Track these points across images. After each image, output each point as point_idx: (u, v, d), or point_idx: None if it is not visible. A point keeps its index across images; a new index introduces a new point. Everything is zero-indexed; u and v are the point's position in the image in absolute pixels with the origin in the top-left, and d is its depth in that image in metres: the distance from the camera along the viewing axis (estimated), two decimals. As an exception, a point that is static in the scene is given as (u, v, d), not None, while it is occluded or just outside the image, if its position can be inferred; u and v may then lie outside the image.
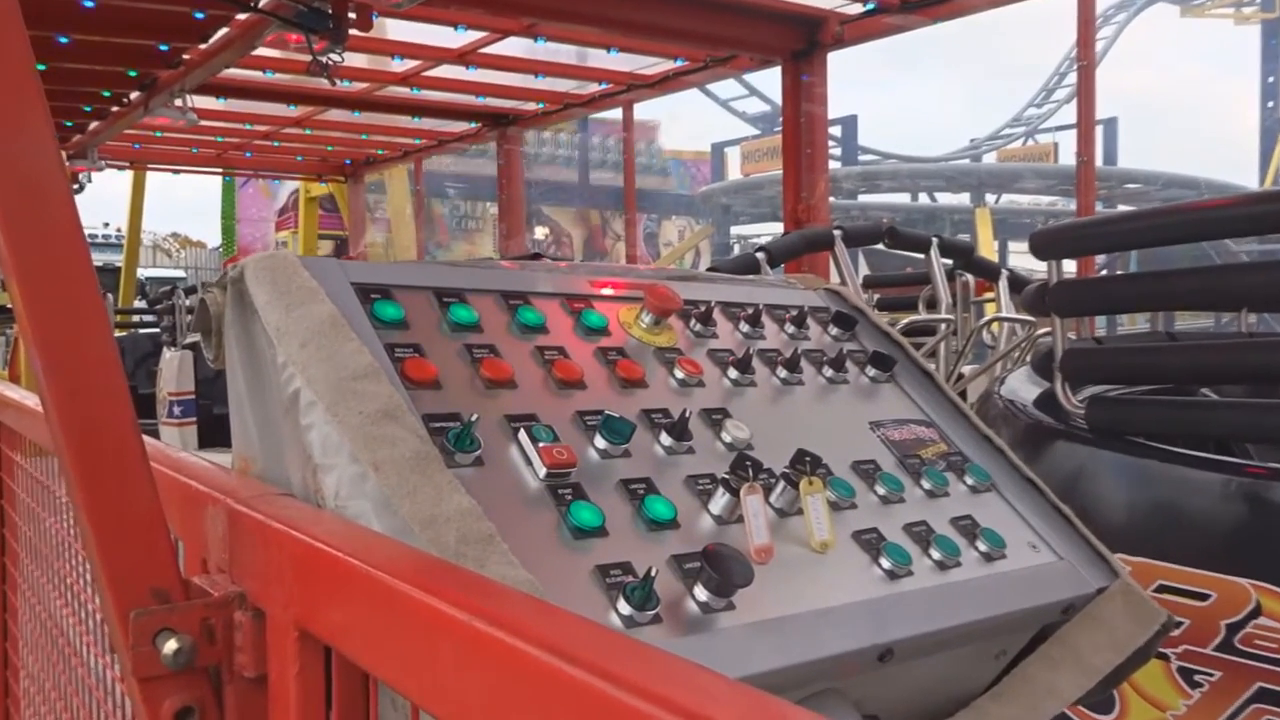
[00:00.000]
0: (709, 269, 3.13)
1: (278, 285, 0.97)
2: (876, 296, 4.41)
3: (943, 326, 3.61)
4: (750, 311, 1.33)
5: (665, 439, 1.04)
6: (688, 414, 1.04)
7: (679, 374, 1.15)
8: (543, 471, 0.92)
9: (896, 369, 1.37)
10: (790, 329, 1.36)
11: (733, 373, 1.20)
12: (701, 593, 0.88)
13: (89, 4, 5.01)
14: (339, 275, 1.02)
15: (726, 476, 0.99)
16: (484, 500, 0.85)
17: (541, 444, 0.93)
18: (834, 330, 1.41)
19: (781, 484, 1.03)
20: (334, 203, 12.52)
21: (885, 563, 1.03)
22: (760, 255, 3.69)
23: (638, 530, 0.93)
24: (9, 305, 0.71)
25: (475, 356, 1.02)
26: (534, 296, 1.15)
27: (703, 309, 1.26)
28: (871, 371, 1.35)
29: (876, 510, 1.11)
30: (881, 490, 1.14)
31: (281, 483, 0.94)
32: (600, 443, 0.99)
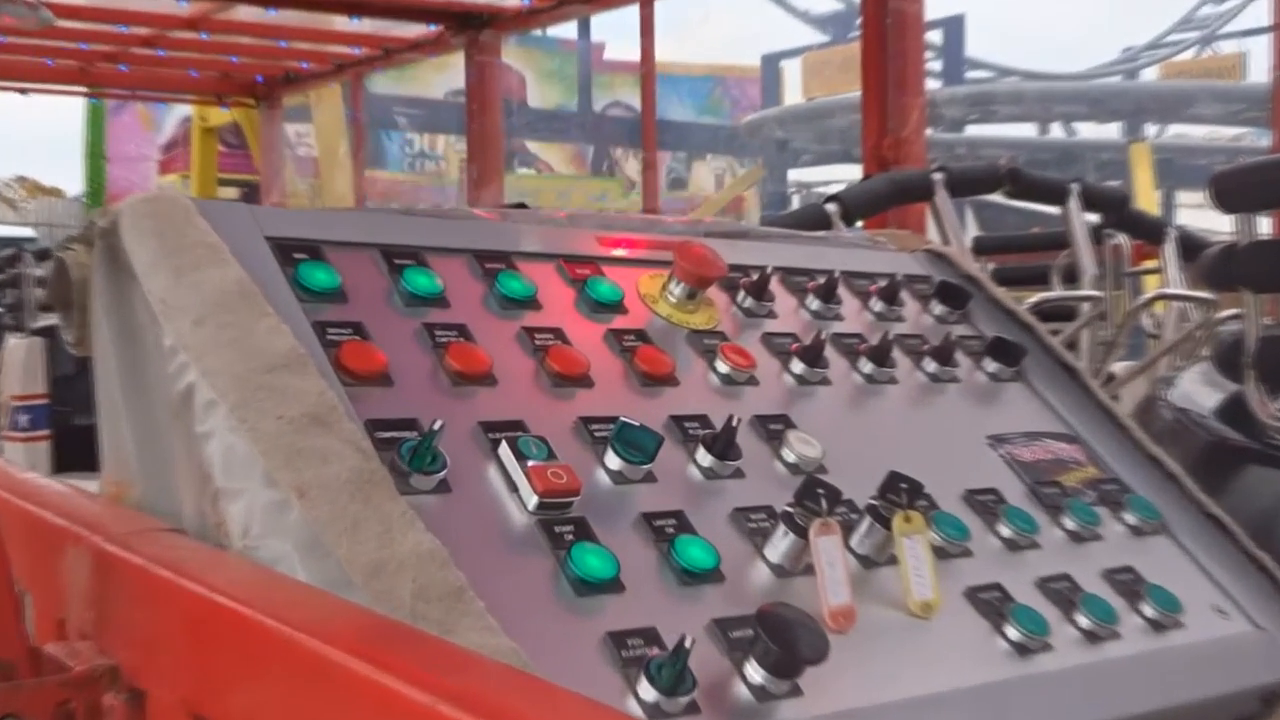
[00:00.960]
0: (762, 223, 3.14)
1: (165, 240, 0.97)
2: (992, 267, 4.39)
3: (1086, 307, 3.58)
4: (822, 281, 1.33)
5: (704, 457, 1.04)
6: (735, 422, 1.04)
7: (723, 367, 1.15)
8: (533, 501, 0.92)
9: (1026, 362, 1.37)
10: (877, 306, 1.37)
11: (798, 365, 1.20)
12: (755, 672, 0.88)
13: None
14: (250, 227, 1.02)
15: (790, 510, 0.99)
16: (451, 540, 0.85)
17: (531, 462, 0.94)
18: (938, 308, 1.42)
19: (867, 521, 1.03)
20: (240, 136, 12.61)
21: (1012, 632, 1.02)
22: (831, 208, 3.68)
23: (665, 584, 0.93)
24: None
25: (439, 340, 1.02)
26: (521, 259, 1.15)
27: (756, 277, 1.27)
28: (991, 366, 1.35)
29: (999, 558, 1.11)
30: (1006, 531, 1.14)
31: (169, 514, 0.94)
32: (613, 461, 0.99)
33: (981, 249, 4.50)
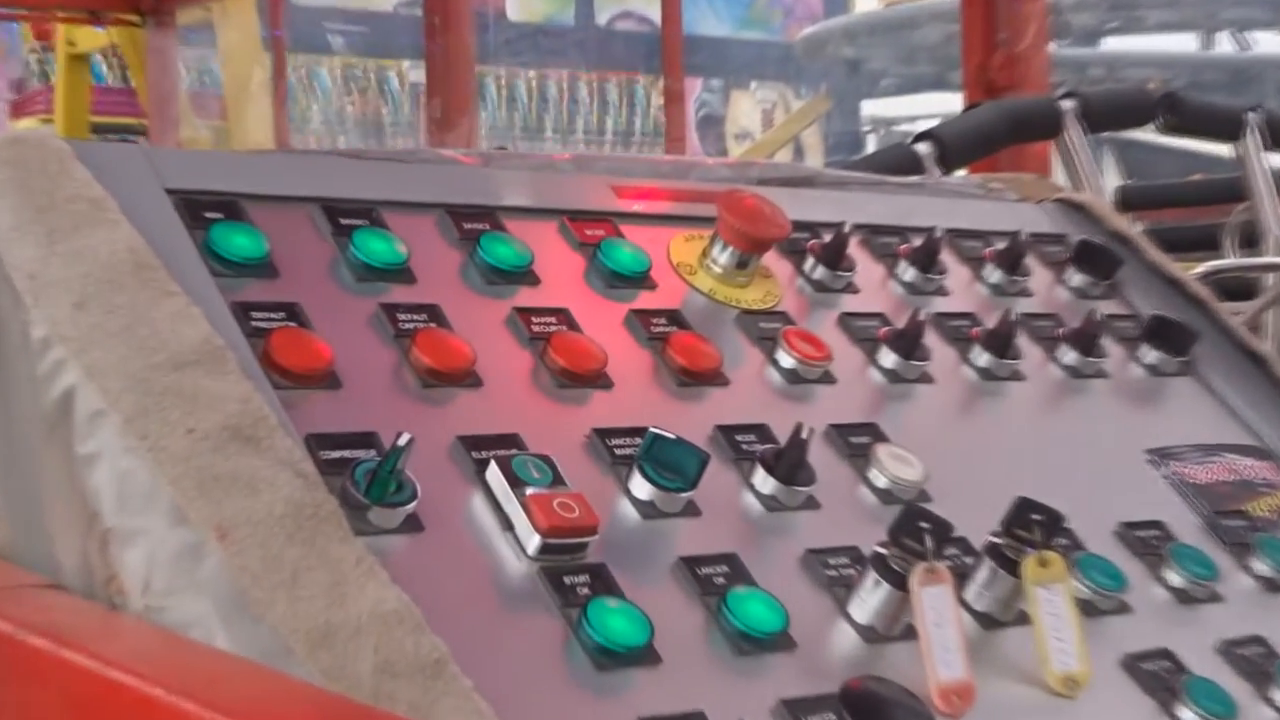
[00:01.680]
0: (838, 168, 3.15)
1: (31, 194, 0.97)
2: (1141, 227, 4.37)
3: (1271, 279, 3.57)
4: (918, 243, 1.34)
5: (764, 481, 1.05)
6: (805, 434, 1.05)
7: (786, 360, 1.16)
8: (535, 542, 0.92)
9: (1197, 350, 1.37)
10: (994, 275, 1.38)
11: (889, 357, 1.22)
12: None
13: None
14: (145, 176, 1.03)
15: (883, 551, 0.99)
16: (425, 596, 0.85)
17: (531, 490, 0.94)
18: (1077, 277, 1.43)
19: (987, 565, 1.04)
20: (121, 66, 12.65)
21: (1187, 715, 1.03)
22: (924, 149, 3.68)
23: (716, 653, 0.93)
24: None
25: (403, 327, 1.03)
26: (511, 216, 1.16)
27: (829, 238, 1.28)
28: (1151, 355, 1.36)
29: (1167, 615, 1.12)
30: (1176, 578, 1.14)
31: (42, 564, 0.94)
32: (642, 488, 1.00)
33: (1128, 203, 4.50)
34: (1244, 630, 1.12)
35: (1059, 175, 3.61)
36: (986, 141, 3.50)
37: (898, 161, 3.30)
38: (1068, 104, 3.48)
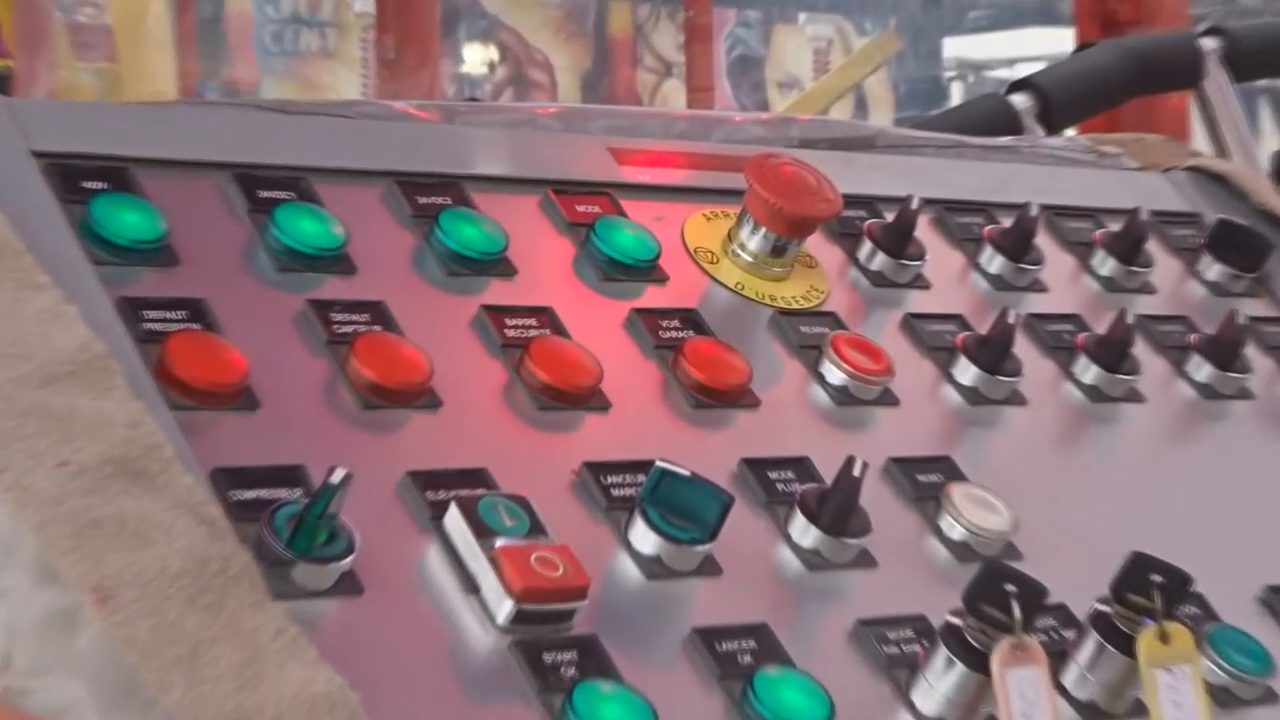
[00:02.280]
0: (910, 125, 3.11)
1: None
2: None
3: None
4: (1008, 225, 1.35)
5: (805, 531, 1.06)
6: (859, 471, 1.05)
7: (835, 374, 1.17)
8: (507, 608, 0.92)
9: None
10: (1106, 265, 1.39)
11: (968, 370, 1.23)
12: None
13: None
14: (5, 134, 1.03)
15: (956, 622, 1.00)
16: (365, 677, 0.85)
17: (503, 541, 0.94)
18: (1214, 268, 1.44)
19: (1092, 640, 1.04)
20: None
21: None
22: (1021, 101, 3.65)
23: (741, 753, 0.94)
24: None
25: (339, 331, 1.04)
26: (479, 186, 1.17)
27: (892, 218, 1.29)
28: (1313, 370, 1.37)
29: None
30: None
31: None
32: (646, 539, 1.00)
33: (1287, 172, 4.49)
34: None
35: (1200, 138, 3.61)
36: (1103, 92, 3.49)
37: (987, 118, 3.29)
38: (1211, 43, 3.48)
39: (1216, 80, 3.48)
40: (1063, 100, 3.35)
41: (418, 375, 1.03)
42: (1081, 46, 4.59)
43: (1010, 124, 3.30)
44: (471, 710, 0.90)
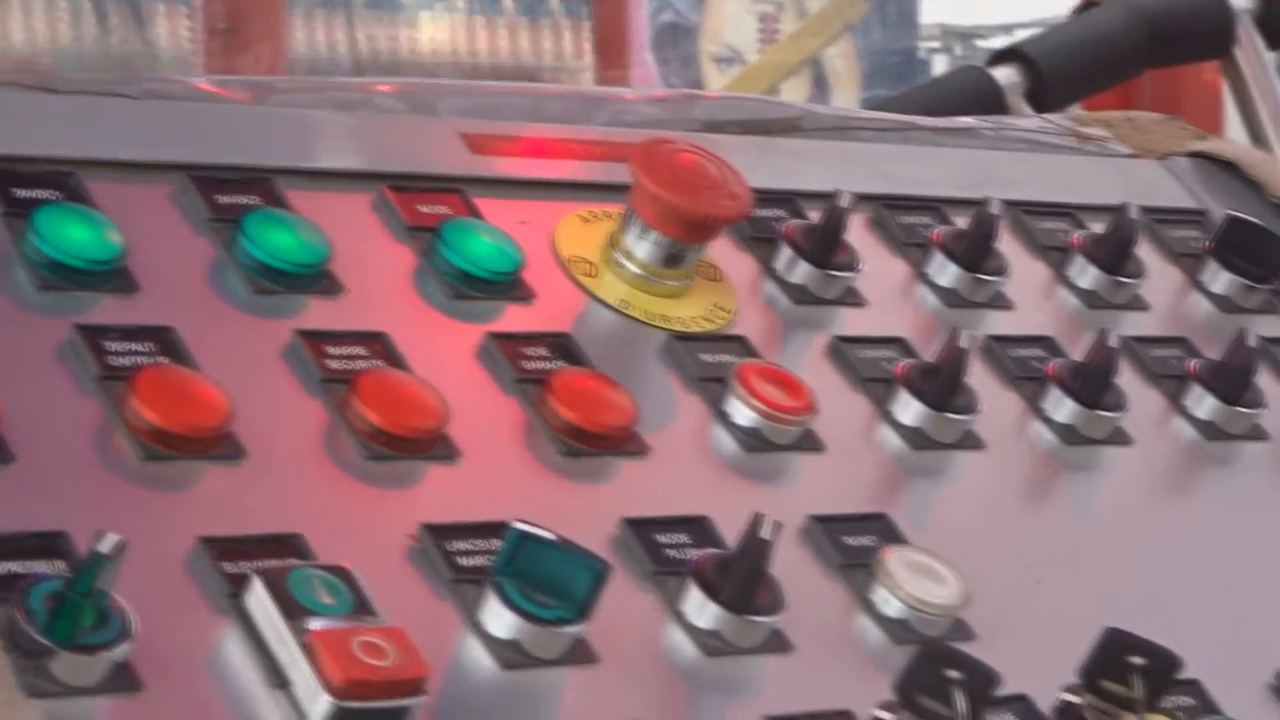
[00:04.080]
0: (871, 107, 3.08)
1: None
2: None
3: None
4: (965, 226, 1.35)
5: (702, 609, 1.05)
6: (769, 533, 1.05)
7: (744, 412, 1.17)
8: (322, 705, 0.92)
9: None
10: (1086, 274, 1.40)
11: (911, 407, 1.23)
12: None
13: None
14: None
15: (885, 717, 1.00)
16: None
17: (319, 622, 0.94)
18: (1221, 277, 1.44)
19: (1058, 738, 1.05)
20: None
21: None
22: (1005, 75, 3.64)
23: None
24: None
25: (114, 363, 1.03)
26: (296, 181, 1.17)
27: (818, 219, 1.29)
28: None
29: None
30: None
31: None
32: (500, 618, 1.00)
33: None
34: None
35: (1233, 122, 3.61)
36: (1109, 62, 3.50)
37: (963, 97, 3.30)
38: (1243, 1, 3.51)
39: (1250, 47, 3.50)
40: (1058, 73, 3.36)
41: (213, 417, 1.02)
42: (1083, 6, 4.63)
43: (992, 104, 3.31)
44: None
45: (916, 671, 0.99)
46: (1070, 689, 1.05)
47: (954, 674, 0.99)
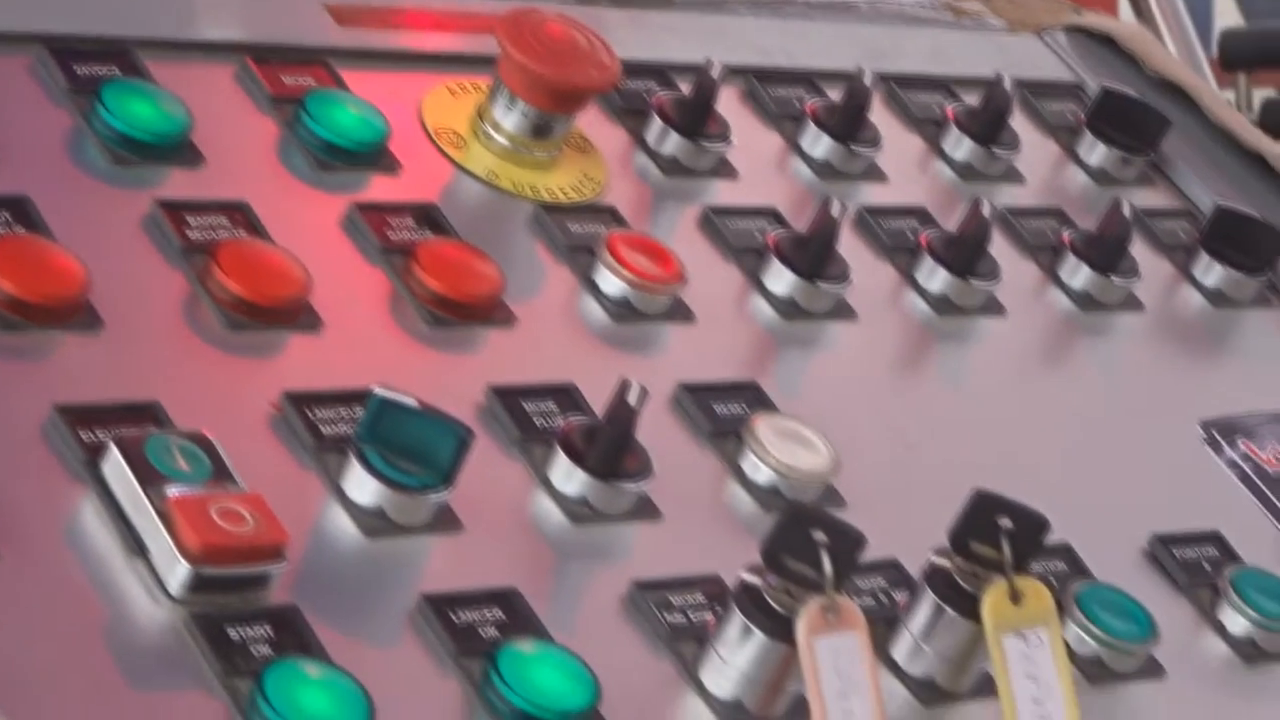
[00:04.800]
0: None
1: None
2: (1270, 95, 4.36)
3: None
4: (838, 98, 1.35)
5: (569, 474, 1.05)
6: (637, 400, 1.04)
7: (613, 282, 1.17)
8: (180, 572, 0.91)
9: None
10: (961, 146, 1.40)
11: (782, 276, 1.22)
12: None
13: None
14: None
15: (753, 580, 1.00)
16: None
17: (177, 489, 0.93)
18: (1098, 150, 1.45)
19: (926, 601, 1.05)
20: None
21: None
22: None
23: None
24: None
25: None
26: (155, 52, 1.16)
27: (689, 89, 1.28)
28: (1215, 273, 1.39)
29: (1226, 681, 1.13)
30: (1241, 623, 1.15)
31: None
32: (363, 485, 0.99)
33: (1233, 57, 4.52)
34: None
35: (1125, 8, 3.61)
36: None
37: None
38: None
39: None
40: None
41: (71, 286, 1.01)
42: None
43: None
44: (137, 701, 0.89)
45: (782, 534, 0.99)
46: (939, 552, 1.05)
47: (820, 536, 0.98)
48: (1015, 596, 1.03)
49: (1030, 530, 1.04)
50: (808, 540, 0.98)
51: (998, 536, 1.04)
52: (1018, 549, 1.04)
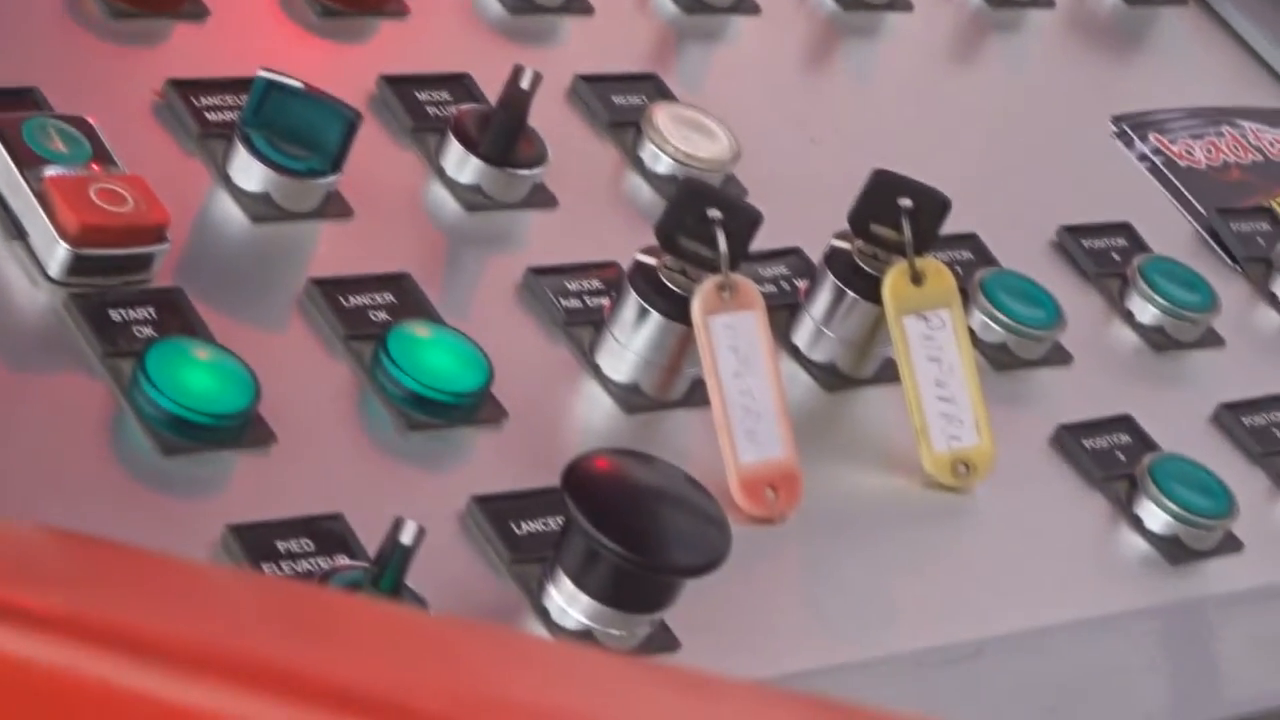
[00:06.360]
0: None
1: None
2: None
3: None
4: None
5: (462, 162, 1.05)
6: (529, 82, 1.04)
7: None
8: (59, 253, 0.91)
9: None
10: None
11: None
12: (566, 598, 0.89)
13: None
14: None
15: (648, 261, 1.00)
16: None
17: (55, 169, 0.92)
18: None
19: (826, 283, 1.05)
20: None
21: (1155, 516, 1.05)
22: None
23: (369, 427, 0.94)
24: None
25: None
26: None
27: None
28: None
29: (1129, 365, 1.15)
30: (1150, 311, 1.16)
31: None
32: (249, 169, 0.99)
33: None
34: (1251, 388, 1.14)
35: None
36: None
37: None
38: None
39: None
40: None
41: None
42: None
43: None
44: (16, 382, 0.89)
45: (677, 211, 0.99)
46: (839, 235, 1.05)
47: (715, 213, 0.98)
48: (916, 277, 1.03)
49: (931, 210, 1.04)
50: (703, 218, 0.98)
51: (898, 217, 1.04)
52: (918, 229, 1.04)
